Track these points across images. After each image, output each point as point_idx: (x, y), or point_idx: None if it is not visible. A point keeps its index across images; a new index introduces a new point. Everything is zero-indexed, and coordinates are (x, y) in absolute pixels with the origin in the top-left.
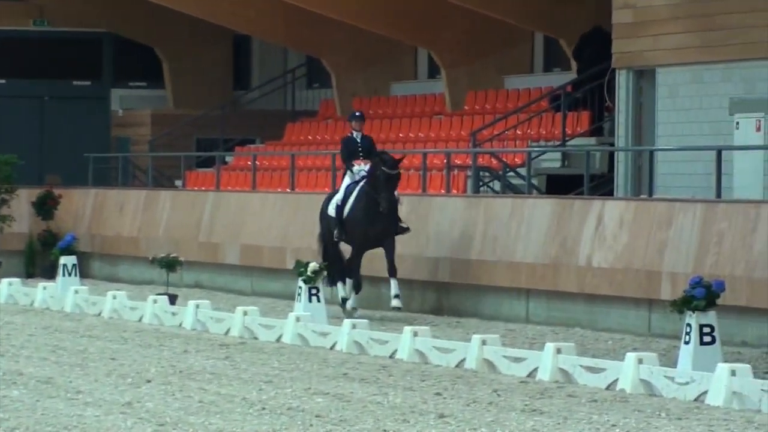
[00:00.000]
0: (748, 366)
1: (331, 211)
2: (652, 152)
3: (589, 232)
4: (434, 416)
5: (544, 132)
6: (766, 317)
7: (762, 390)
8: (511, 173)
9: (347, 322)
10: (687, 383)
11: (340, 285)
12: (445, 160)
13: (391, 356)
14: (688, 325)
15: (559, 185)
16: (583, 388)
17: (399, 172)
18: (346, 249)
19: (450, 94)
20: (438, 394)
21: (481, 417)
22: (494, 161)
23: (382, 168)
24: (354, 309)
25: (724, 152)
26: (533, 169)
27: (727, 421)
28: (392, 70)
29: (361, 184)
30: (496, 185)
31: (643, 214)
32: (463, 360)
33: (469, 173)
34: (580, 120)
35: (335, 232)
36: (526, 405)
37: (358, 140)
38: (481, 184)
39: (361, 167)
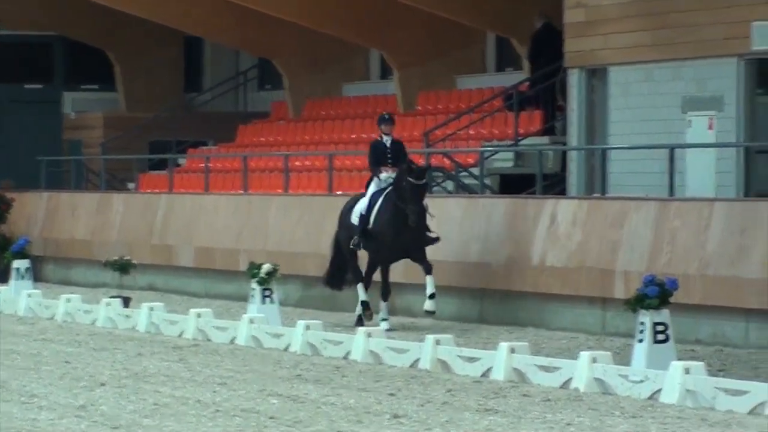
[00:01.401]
0: (701, 364)
1: (354, 219)
2: (604, 151)
3: (543, 232)
4: (388, 417)
5: (496, 132)
6: (719, 315)
7: (716, 388)
8: (464, 173)
9: (301, 323)
10: (641, 381)
11: (360, 288)
12: None
13: (345, 357)
14: (642, 323)
15: (512, 185)
16: (537, 387)
17: (426, 182)
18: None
19: (402, 94)
20: (392, 394)
21: (435, 417)
22: (447, 161)
23: (408, 178)
24: (384, 320)
25: (676, 150)
26: (486, 168)
27: (681, 419)
28: (344, 71)
29: (387, 191)
30: (449, 185)
31: (596, 213)
32: (417, 360)
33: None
34: (533, 119)
35: (354, 239)
36: (480, 405)
37: (388, 145)
38: (434, 184)
39: (389, 175)
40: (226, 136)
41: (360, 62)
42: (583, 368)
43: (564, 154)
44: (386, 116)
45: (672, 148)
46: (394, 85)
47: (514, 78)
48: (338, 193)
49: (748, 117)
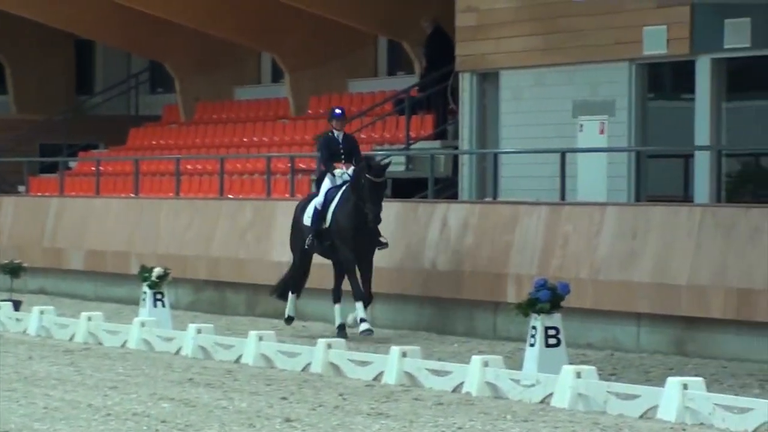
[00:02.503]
0: (593, 368)
1: (307, 219)
2: (496, 155)
3: (434, 236)
4: (280, 420)
5: (388, 135)
6: (610, 319)
7: (607, 392)
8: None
9: (192, 326)
10: (532, 385)
11: (291, 297)
12: (289, 165)
13: (237, 361)
14: (533, 327)
15: (404, 189)
16: (428, 391)
17: (386, 180)
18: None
19: (294, 98)
20: (284, 398)
21: (327, 421)
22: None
23: (367, 175)
24: (363, 321)
25: (568, 155)
26: None
27: (573, 422)
28: (236, 74)
29: (344, 188)
30: None
31: (487, 217)
32: (309, 364)
33: (313, 177)
34: (425, 123)
35: (307, 240)
36: (372, 408)
37: (340, 140)
38: None
39: (343, 171)
40: (118, 139)
41: (252, 66)
42: (475, 372)
43: (456, 158)
44: (337, 111)
45: (563, 153)
46: (286, 89)
47: (406, 82)
48: (229, 196)
49: (639, 121)
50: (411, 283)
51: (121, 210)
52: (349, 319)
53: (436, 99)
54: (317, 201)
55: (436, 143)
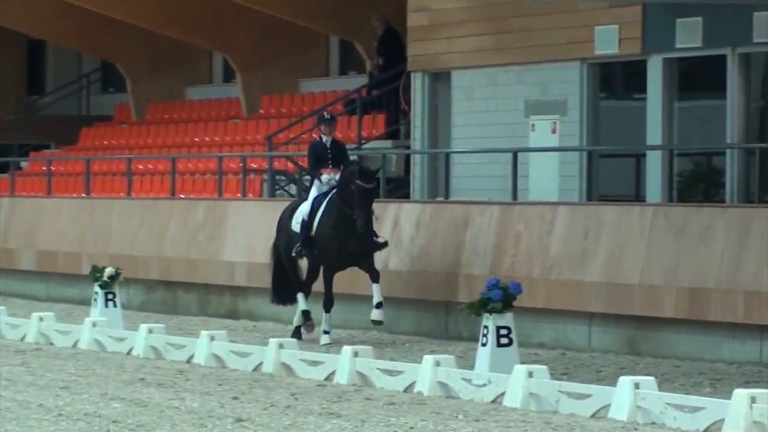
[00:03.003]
0: (544, 367)
1: (296, 225)
2: (448, 155)
3: (386, 235)
4: (232, 420)
5: (340, 135)
6: (562, 318)
7: (559, 391)
8: (308, 177)
9: (143, 326)
10: (484, 385)
11: (300, 297)
12: (241, 164)
13: (188, 361)
14: (485, 327)
15: None
16: (380, 390)
17: (376, 186)
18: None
19: (245, 98)
20: (235, 398)
21: (278, 421)
22: (290, 165)
23: (357, 181)
24: (326, 333)
25: (520, 154)
26: None
27: (525, 422)
28: (188, 74)
29: (330, 195)
30: (293, 189)
31: (439, 217)
32: (261, 364)
33: (265, 177)
34: (376, 123)
35: (295, 247)
36: (323, 408)
37: (328, 146)
38: (277, 187)
39: (331, 176)
40: (69, 139)
41: (203, 65)
42: (427, 372)
43: (408, 158)
44: (327, 116)
45: (515, 152)
46: (238, 89)
47: (358, 82)
48: (181, 196)
49: (591, 121)
50: (362, 283)
51: (72, 210)
52: (323, 338)
53: (388, 99)
54: (303, 210)
55: (388, 143)
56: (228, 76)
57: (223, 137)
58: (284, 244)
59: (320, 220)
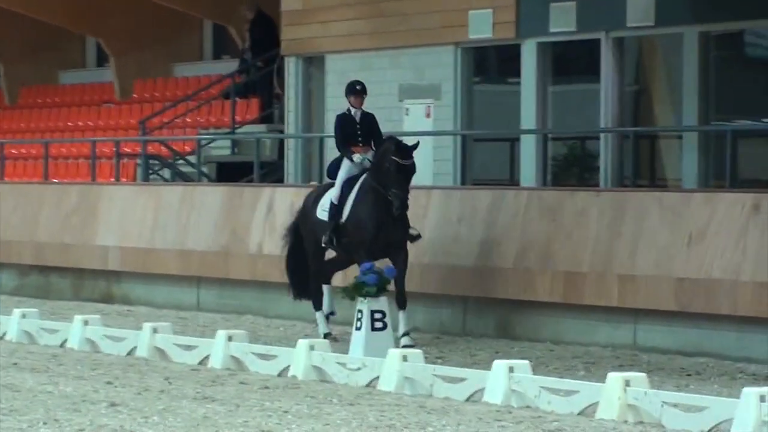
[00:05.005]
0: (419, 351)
1: (322, 213)
2: (321, 139)
3: (260, 220)
4: (106, 405)
5: (213, 120)
6: (435, 302)
7: (433, 375)
8: (181, 161)
9: (17, 311)
10: (359, 369)
11: (325, 299)
12: (114, 149)
13: (62, 345)
14: (360, 311)
15: (230, 173)
16: (255, 375)
17: (414, 162)
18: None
19: (119, 82)
20: (109, 382)
21: (152, 405)
22: (164, 149)
23: (392, 157)
24: (405, 335)
25: None
26: (203, 156)
27: (399, 406)
28: (61, 58)
29: (363, 177)
30: (167, 173)
31: None
32: (135, 348)
33: (139, 161)
34: (250, 107)
35: (325, 237)
36: (198, 393)
37: (357, 119)
38: (150, 172)
39: (363, 156)
40: None
41: (77, 49)
42: (301, 356)
43: (281, 142)
44: (356, 86)
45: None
46: (111, 73)
47: (232, 66)
48: (54, 181)
49: (465, 105)
50: (236, 266)
51: None
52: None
53: (261, 83)
54: (333, 193)
55: (262, 127)
56: (101, 61)
57: (96, 121)
58: (309, 236)
59: (352, 204)
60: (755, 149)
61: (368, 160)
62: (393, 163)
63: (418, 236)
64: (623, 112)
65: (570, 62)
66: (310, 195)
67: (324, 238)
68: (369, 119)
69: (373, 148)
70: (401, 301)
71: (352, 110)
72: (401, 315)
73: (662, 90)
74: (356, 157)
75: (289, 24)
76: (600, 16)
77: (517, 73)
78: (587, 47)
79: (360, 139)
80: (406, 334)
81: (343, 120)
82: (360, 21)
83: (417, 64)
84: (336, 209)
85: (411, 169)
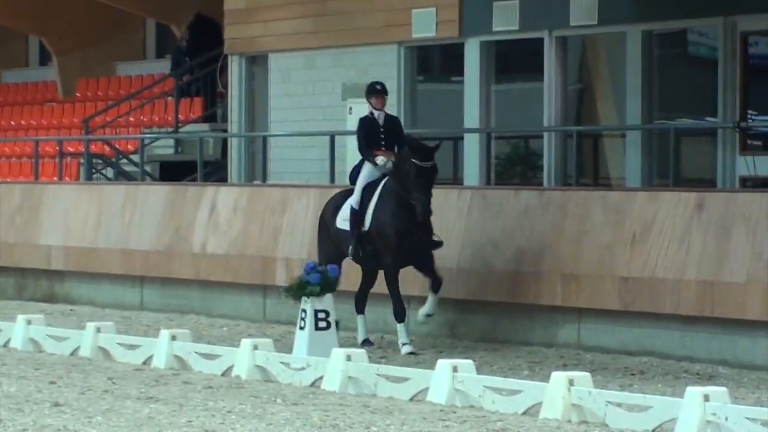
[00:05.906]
0: (363, 351)
1: (342, 223)
2: (265, 138)
3: (203, 219)
4: (49, 405)
5: (157, 119)
6: (381, 301)
7: (377, 375)
8: (124, 160)
9: None
10: (303, 369)
11: (360, 319)
12: (57, 148)
13: (5, 345)
14: (303, 310)
15: (173, 172)
16: (198, 374)
17: (435, 164)
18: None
19: (62, 81)
20: (53, 382)
21: (96, 405)
22: (107, 148)
23: (412, 160)
24: (366, 341)
25: (337, 137)
26: (146, 155)
27: (343, 405)
28: (3, 57)
29: (384, 181)
30: (110, 172)
31: (257, 201)
32: (78, 348)
33: (82, 160)
34: (194, 106)
35: (350, 248)
36: (141, 392)
37: (381, 122)
38: (93, 171)
39: (386, 160)
40: None
41: (19, 48)
42: (245, 356)
43: (225, 141)
44: (377, 86)
45: (333, 135)
46: (54, 72)
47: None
48: None
49: (408, 104)
50: (180, 266)
51: None
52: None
53: (205, 82)
54: (353, 200)
55: (205, 126)
56: (44, 59)
57: (39, 120)
58: (328, 246)
59: (374, 211)
60: (698, 148)
61: (391, 163)
62: (413, 165)
63: (440, 243)
64: (567, 110)
65: (513, 61)
66: (328, 206)
67: (350, 251)
68: (392, 122)
69: (396, 152)
70: (435, 287)
71: (375, 113)
72: (431, 297)
73: (605, 89)
74: (380, 159)
75: (233, 23)
76: (543, 15)
77: (460, 72)
78: (530, 46)
79: (383, 143)
80: (429, 315)
81: (367, 123)
82: (303, 20)
83: (360, 63)
84: (357, 217)
85: (432, 172)
